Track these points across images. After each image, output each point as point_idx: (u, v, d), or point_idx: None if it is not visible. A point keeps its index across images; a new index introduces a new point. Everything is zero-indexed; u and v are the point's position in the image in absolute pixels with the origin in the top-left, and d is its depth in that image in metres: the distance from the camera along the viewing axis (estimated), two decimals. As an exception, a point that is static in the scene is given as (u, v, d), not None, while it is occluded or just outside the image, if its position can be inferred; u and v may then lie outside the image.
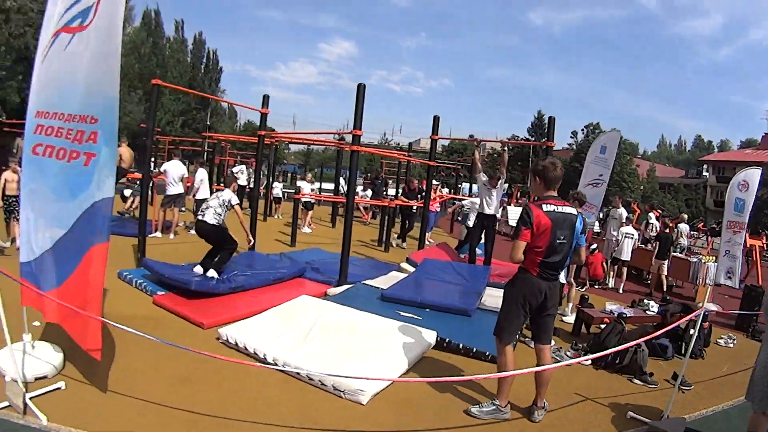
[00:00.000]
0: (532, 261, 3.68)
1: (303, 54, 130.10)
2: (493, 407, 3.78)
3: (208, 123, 41.24)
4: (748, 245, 12.83)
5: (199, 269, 6.42)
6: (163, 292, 5.75)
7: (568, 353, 5.52)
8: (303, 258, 8.56)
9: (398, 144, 52.40)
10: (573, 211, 3.74)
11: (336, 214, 15.72)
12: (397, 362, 4.28)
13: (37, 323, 4.38)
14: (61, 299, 3.45)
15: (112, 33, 3.40)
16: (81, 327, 3.45)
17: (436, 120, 10.22)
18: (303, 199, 12.77)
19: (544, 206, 3.60)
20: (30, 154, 3.67)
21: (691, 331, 6.07)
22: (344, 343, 4.48)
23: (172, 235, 9.89)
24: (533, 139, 46.47)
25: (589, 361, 5.40)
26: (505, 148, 8.54)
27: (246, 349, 4.38)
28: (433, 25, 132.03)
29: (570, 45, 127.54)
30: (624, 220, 10.57)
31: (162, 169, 9.91)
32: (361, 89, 6.86)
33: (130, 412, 3.33)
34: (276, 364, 4.10)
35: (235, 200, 6.73)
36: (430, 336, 4.92)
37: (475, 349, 5.00)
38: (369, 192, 17.52)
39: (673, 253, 11.05)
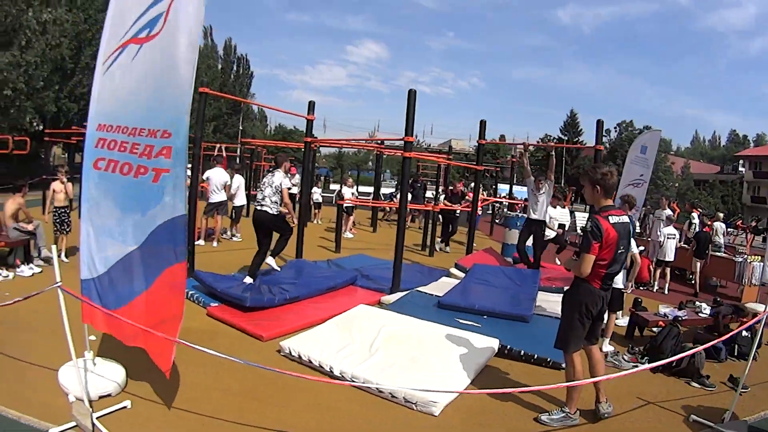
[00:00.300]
0: (596, 273, 3.78)
1: (331, 56, 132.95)
2: (563, 414, 3.92)
3: (241, 128, 42.45)
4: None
5: (249, 279, 6.78)
6: (216, 304, 5.85)
7: (625, 357, 5.75)
8: (351, 264, 8.88)
9: (429, 145, 52.78)
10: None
11: (376, 218, 16.05)
12: (463, 372, 4.43)
13: (93, 337, 4.28)
14: (130, 317, 3.42)
15: (184, 41, 3.37)
16: (154, 346, 3.43)
17: (482, 125, 10.45)
18: (345, 204, 13.13)
19: (610, 218, 3.67)
20: (91, 168, 3.64)
21: (744, 333, 6.29)
22: (409, 353, 4.63)
23: (215, 243, 10.19)
24: (566, 137, 46.99)
25: (647, 364, 5.61)
26: (552, 152, 8.75)
27: (311, 362, 4.44)
28: (461, 24, 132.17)
29: (599, 42, 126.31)
30: (666, 221, 10.69)
31: (205, 177, 10.07)
32: (412, 95, 7.04)
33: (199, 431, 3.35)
34: (344, 378, 4.16)
35: (286, 183, 7.02)
36: (493, 344, 5.17)
37: (536, 356, 5.23)
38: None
39: (712, 252, 11.13)
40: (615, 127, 50.10)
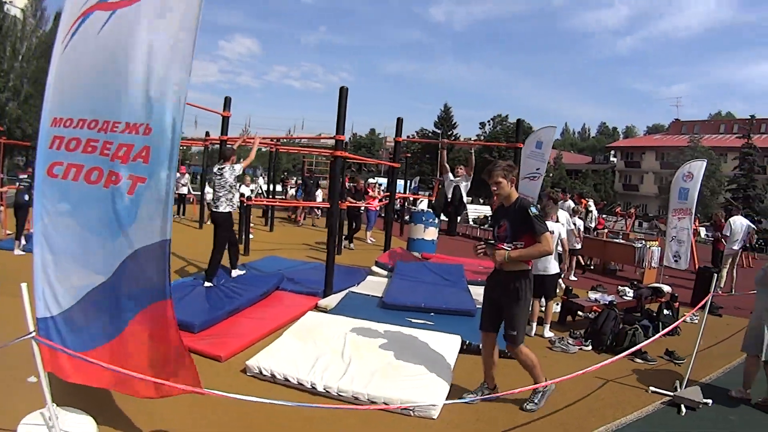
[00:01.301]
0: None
1: (203, 52, 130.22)
2: (540, 394, 4.31)
3: None
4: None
5: (208, 283, 6.78)
6: None
7: (570, 341, 6.28)
8: (267, 268, 8.71)
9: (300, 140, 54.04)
10: None
11: (273, 217, 15.75)
12: (443, 371, 4.65)
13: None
14: (107, 360, 2.94)
15: (181, 7, 2.81)
16: (147, 390, 3.00)
17: (399, 122, 10.77)
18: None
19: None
20: (44, 176, 3.03)
21: (665, 311, 7.18)
22: (384, 360, 4.71)
23: None
24: (441, 130, 51.88)
25: (590, 347, 6.21)
26: (472, 150, 9.22)
27: (287, 380, 4.32)
28: (334, 19, 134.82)
29: (472, 39, 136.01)
30: (571, 212, 11.80)
31: None
32: (343, 93, 7.14)
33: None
34: (329, 393, 4.13)
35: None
36: (456, 340, 5.40)
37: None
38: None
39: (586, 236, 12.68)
40: (489, 121, 54.94)
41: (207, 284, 6.89)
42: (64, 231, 3.00)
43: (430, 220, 12.80)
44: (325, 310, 6.53)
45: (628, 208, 29.92)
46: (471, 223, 23.33)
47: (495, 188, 4.15)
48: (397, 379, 4.36)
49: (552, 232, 5.10)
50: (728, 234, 10.62)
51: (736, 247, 10.65)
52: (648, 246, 12.11)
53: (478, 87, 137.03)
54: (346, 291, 7.42)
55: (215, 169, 7.33)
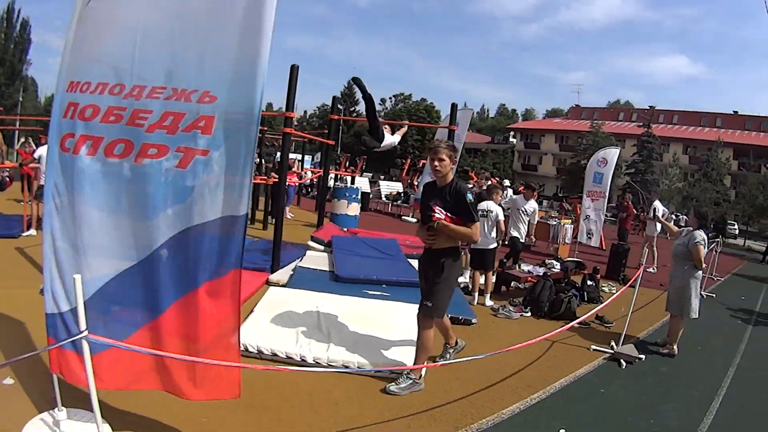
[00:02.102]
0: None
1: None
2: (410, 380, 4.21)
3: (21, 99, 41.57)
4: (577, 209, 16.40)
5: None
6: None
7: (511, 309, 6.99)
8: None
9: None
10: None
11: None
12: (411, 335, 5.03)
13: (10, 381, 3.47)
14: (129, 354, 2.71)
15: None
16: (193, 376, 2.78)
17: (335, 100, 11.02)
18: None
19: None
20: (58, 150, 2.75)
21: (589, 282, 8.16)
22: (362, 330, 4.99)
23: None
24: (344, 106, 53.06)
25: (529, 313, 6.98)
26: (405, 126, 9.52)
27: (275, 354, 4.42)
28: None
29: (376, 16, 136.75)
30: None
31: (36, 156, 9.19)
32: (294, 70, 7.27)
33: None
34: (319, 364, 4.31)
35: None
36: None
37: (449, 315, 6.11)
38: None
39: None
40: (390, 98, 56.87)
41: None
42: (79, 214, 2.73)
43: (353, 196, 13.24)
44: (278, 285, 6.68)
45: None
46: (383, 198, 24.02)
47: (437, 165, 4.13)
48: (380, 347, 4.74)
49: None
50: (652, 216, 12.03)
51: (659, 228, 12.06)
52: (562, 224, 13.38)
53: (380, 64, 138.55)
54: (293, 265, 7.61)
55: None
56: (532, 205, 8.85)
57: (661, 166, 42.15)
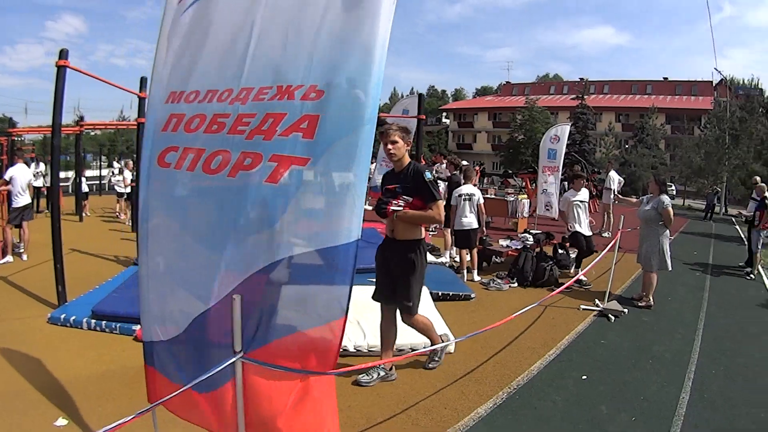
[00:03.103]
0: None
1: (30, 34, 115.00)
2: (439, 351, 4.74)
3: None
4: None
5: None
6: (136, 327, 5.23)
7: (500, 281, 7.80)
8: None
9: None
10: None
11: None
12: (437, 318, 5.52)
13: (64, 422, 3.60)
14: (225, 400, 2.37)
15: None
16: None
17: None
18: (127, 190, 13.22)
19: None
20: (156, 166, 2.62)
21: (560, 251, 9.09)
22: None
23: (24, 257, 9.13)
24: None
25: (516, 283, 7.81)
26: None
27: None
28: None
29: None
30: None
31: (7, 177, 9.12)
32: None
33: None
34: (361, 351, 4.82)
35: None
36: (427, 292, 6.46)
37: (451, 293, 6.90)
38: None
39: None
40: None
41: None
42: (169, 237, 2.62)
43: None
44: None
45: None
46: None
47: (391, 148, 4.11)
48: (409, 329, 4.98)
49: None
50: (609, 186, 13.09)
51: (612, 196, 13.20)
52: (519, 199, 14.43)
53: None
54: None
55: None
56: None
57: (597, 135, 44.73)
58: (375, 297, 4.44)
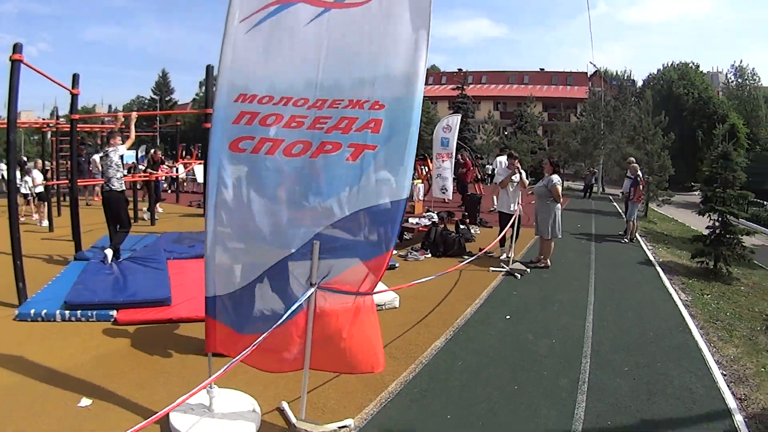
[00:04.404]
0: None
1: None
2: None
3: None
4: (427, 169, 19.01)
5: (110, 252, 7.29)
6: (113, 312, 5.70)
7: (416, 253, 8.84)
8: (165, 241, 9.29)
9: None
10: None
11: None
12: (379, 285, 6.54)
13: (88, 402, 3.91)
14: (286, 336, 3.35)
15: (408, 15, 3.33)
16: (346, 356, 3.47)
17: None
18: (38, 189, 13.08)
19: None
20: (227, 150, 3.40)
21: (461, 226, 10.35)
22: None
23: None
24: (159, 96, 57.58)
25: (430, 254, 8.89)
26: None
27: None
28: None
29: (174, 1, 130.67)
30: None
31: None
32: (210, 71, 8.09)
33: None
34: None
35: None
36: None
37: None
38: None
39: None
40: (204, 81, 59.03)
41: (114, 258, 7.40)
42: (243, 207, 3.35)
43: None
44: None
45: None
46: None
47: None
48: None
49: None
50: (497, 170, 14.49)
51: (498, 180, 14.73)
52: (415, 183, 15.70)
53: (185, 51, 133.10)
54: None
55: (101, 154, 7.98)
56: None
57: (476, 123, 47.75)
58: None
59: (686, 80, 44.22)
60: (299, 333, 3.39)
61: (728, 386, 4.55)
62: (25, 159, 19.94)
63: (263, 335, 3.07)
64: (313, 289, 3.26)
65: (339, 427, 3.58)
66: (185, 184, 23.41)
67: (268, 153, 3.32)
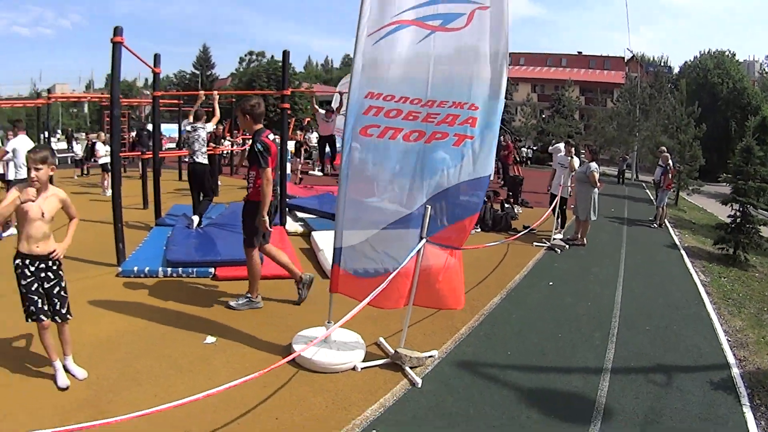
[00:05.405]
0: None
1: None
2: (246, 299, 5.41)
3: None
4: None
5: (196, 218, 8.15)
6: (212, 269, 6.36)
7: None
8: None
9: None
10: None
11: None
12: None
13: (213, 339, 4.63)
14: (402, 279, 4.22)
15: (491, 42, 4.23)
16: (439, 294, 4.45)
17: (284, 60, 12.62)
18: (101, 161, 13.46)
19: (270, 136, 5.16)
20: (357, 134, 4.27)
21: (506, 205, 11.24)
22: None
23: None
24: (200, 71, 57.27)
25: (479, 229, 9.82)
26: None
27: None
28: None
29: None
30: None
31: (9, 149, 9.10)
32: (286, 55, 8.76)
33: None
34: None
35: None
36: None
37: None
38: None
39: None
40: (245, 57, 59.91)
41: (198, 223, 8.19)
42: (368, 179, 4.30)
43: (289, 158, 15.12)
44: (296, 234, 8.71)
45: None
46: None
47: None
48: None
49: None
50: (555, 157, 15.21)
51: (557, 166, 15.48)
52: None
53: (218, 24, 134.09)
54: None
55: (188, 127, 8.64)
56: None
57: (514, 105, 47.80)
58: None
59: (722, 69, 42.80)
60: (407, 277, 4.30)
61: (731, 349, 5.41)
62: (70, 130, 20.53)
63: (388, 278, 4.05)
64: (423, 242, 4.24)
65: (427, 356, 4.48)
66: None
67: (391, 138, 4.26)
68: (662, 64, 45.98)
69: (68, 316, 3.96)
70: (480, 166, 4.25)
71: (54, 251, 3.84)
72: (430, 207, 4.24)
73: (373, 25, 4.27)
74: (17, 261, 3.78)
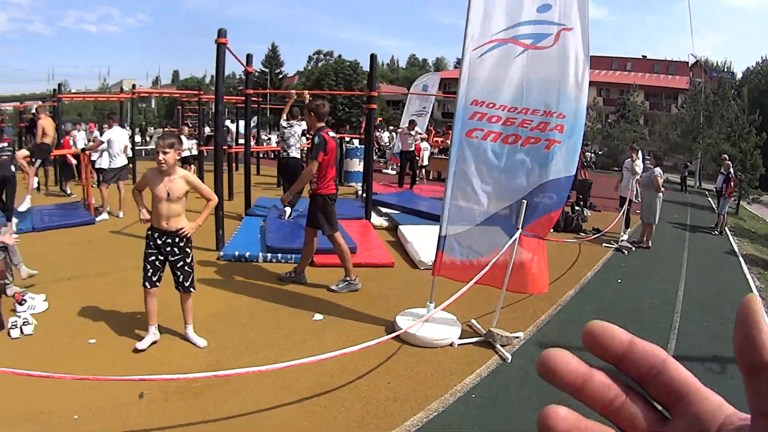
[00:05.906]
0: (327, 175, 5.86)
1: None
2: (346, 282, 6.04)
3: None
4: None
5: (288, 209, 8.79)
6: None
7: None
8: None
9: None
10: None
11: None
12: None
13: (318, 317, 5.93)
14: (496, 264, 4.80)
15: (576, 59, 4.80)
16: (531, 276, 5.11)
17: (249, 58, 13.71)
18: (184, 154, 13.29)
19: (329, 133, 5.77)
20: (464, 137, 4.90)
21: (576, 208, 11.91)
22: None
23: (121, 214, 9.79)
24: (268, 68, 57.84)
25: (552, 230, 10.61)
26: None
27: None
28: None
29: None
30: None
31: (105, 139, 9.88)
32: (374, 59, 9.69)
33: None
34: None
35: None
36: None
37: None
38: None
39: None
40: (313, 56, 61.75)
41: (289, 214, 8.99)
42: (472, 175, 4.93)
43: (359, 155, 16.16)
44: (381, 228, 9.72)
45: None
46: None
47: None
48: None
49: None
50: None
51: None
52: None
53: (285, 21, 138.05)
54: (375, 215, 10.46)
55: (284, 124, 9.41)
56: None
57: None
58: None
59: (785, 74, 41.08)
60: (503, 263, 4.90)
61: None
62: (143, 124, 20.96)
63: (490, 263, 4.78)
64: (519, 232, 4.89)
65: (515, 336, 5.12)
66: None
67: (492, 141, 4.89)
68: (725, 69, 44.31)
69: (191, 289, 4.33)
70: (566, 167, 4.85)
71: (182, 228, 4.19)
72: (525, 201, 4.86)
73: (476, 43, 4.89)
74: (148, 232, 4.21)
